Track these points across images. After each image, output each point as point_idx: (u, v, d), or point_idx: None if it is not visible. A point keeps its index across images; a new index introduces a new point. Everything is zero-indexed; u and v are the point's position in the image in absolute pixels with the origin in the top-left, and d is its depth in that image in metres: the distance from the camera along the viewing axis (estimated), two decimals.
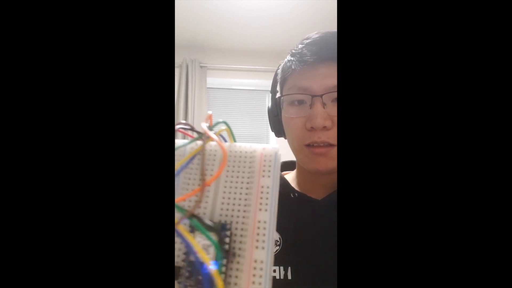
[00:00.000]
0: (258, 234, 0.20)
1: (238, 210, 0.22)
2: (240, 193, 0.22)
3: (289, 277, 0.45)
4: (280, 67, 0.54)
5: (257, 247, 0.20)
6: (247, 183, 0.22)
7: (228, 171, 0.23)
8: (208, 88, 2.50)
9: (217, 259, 0.19)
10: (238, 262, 0.20)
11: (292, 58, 0.49)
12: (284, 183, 0.53)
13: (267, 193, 0.21)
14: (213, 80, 2.53)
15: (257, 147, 0.23)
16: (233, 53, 2.54)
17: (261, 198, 0.21)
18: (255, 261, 0.19)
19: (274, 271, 0.46)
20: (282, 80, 0.52)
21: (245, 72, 2.53)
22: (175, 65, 2.45)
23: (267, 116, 0.56)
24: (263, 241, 0.20)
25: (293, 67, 0.48)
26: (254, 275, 0.19)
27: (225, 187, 0.23)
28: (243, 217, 0.21)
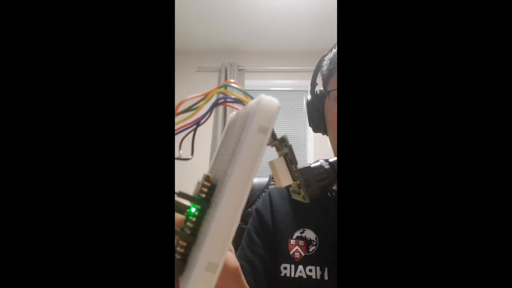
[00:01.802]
0: (219, 192, 0.18)
1: (222, 165, 0.20)
2: (230, 148, 0.20)
3: (326, 277, 0.43)
4: (327, 58, 0.50)
5: (216, 205, 0.18)
6: (238, 139, 0.20)
7: (229, 129, 0.23)
8: (246, 90, 2.56)
9: (194, 204, 0.19)
10: (207, 214, 0.19)
11: None
12: None
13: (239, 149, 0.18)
14: (251, 82, 2.59)
15: (254, 101, 0.20)
16: (270, 54, 2.58)
17: (234, 155, 0.19)
18: (211, 220, 0.17)
19: (310, 270, 0.45)
20: (329, 72, 0.49)
21: (282, 73, 2.56)
22: (215, 69, 2.56)
23: (305, 114, 0.53)
24: (216, 200, 0.18)
25: None
26: (205, 232, 0.17)
27: (223, 141, 0.24)
28: (224, 172, 0.19)
